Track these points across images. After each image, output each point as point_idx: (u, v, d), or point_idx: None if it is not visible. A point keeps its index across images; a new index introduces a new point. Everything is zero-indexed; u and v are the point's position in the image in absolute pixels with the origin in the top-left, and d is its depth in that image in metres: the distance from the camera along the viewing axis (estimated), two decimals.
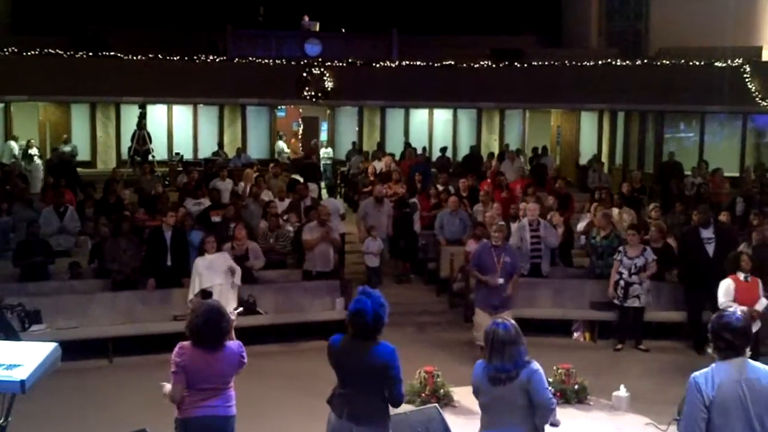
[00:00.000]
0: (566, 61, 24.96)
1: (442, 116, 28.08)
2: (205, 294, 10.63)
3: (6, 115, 25.13)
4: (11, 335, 9.65)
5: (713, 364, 4.53)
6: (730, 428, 4.41)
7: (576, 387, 8.37)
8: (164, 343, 9.87)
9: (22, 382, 4.87)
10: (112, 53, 23.49)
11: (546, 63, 25.02)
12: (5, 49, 22.51)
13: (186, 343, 5.71)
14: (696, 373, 4.55)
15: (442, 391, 8.28)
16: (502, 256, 10.34)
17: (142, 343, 10.88)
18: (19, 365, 5.00)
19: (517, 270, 10.83)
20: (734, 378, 4.44)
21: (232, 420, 5.81)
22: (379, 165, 19.64)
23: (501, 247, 10.46)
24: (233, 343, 5.78)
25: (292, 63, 24.38)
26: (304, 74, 24.15)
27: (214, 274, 10.96)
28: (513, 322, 5.34)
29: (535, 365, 5.22)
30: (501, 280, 10.21)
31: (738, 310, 4.71)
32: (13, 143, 23.73)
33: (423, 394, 8.19)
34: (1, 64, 22.27)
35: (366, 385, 5.36)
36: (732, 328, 4.46)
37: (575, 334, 12.25)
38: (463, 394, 8.36)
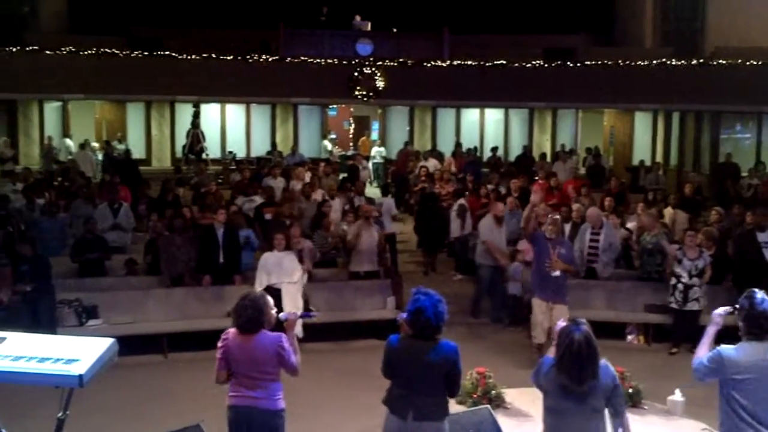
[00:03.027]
0: (620, 61, 24.69)
1: (494, 116, 27.99)
2: (272, 291, 10.69)
3: (63, 113, 25.64)
4: (49, 329, 9.88)
5: (740, 343, 5.14)
6: (759, 396, 4.98)
7: (630, 391, 8.27)
8: (217, 340, 9.98)
9: (80, 376, 4.94)
10: (166, 53, 23.82)
11: (599, 62, 24.77)
12: (63, 49, 22.96)
13: (232, 329, 5.83)
14: (723, 347, 5.13)
15: (494, 392, 8.24)
16: (558, 248, 10.26)
17: (195, 339, 10.98)
18: (77, 360, 5.08)
19: (573, 264, 10.73)
20: (761, 356, 5.04)
21: (279, 413, 5.84)
22: (432, 165, 19.61)
23: (555, 240, 10.39)
24: (272, 333, 5.82)
25: (344, 62, 24.48)
26: (356, 73, 24.24)
27: (281, 272, 11.00)
28: (585, 322, 5.12)
29: (610, 369, 5.10)
30: (558, 272, 10.14)
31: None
32: (69, 141, 24.23)
33: (475, 395, 8.16)
34: (58, 64, 22.72)
35: (429, 384, 5.36)
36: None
37: (629, 337, 12.09)
38: (516, 396, 8.34)
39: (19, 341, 5.34)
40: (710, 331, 5.44)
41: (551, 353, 5.24)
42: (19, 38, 23.60)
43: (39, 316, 10.62)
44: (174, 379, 10.04)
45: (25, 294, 10.66)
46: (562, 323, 5.26)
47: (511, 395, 8.33)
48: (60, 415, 5.22)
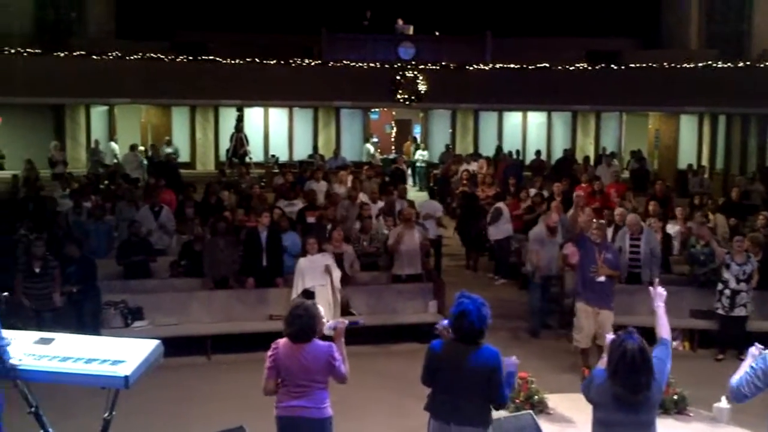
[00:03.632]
0: (665, 63, 24.43)
1: (536, 119, 27.83)
2: (308, 294, 10.76)
3: (110, 117, 26.02)
4: (93, 330, 10.05)
5: None
6: None
7: (675, 397, 8.18)
8: (260, 342, 10.04)
9: (126, 377, 5.01)
10: (211, 57, 24.04)
11: (644, 65, 24.52)
12: (109, 54, 23.29)
13: (282, 339, 5.84)
14: None
15: (536, 397, 8.17)
16: (603, 252, 10.18)
17: (238, 341, 11.07)
18: (123, 361, 5.15)
19: (618, 269, 10.63)
20: None
21: (326, 422, 5.85)
22: (472, 167, 19.56)
23: (601, 244, 10.29)
24: (323, 343, 5.85)
25: (386, 66, 24.53)
26: (398, 77, 24.28)
27: (315, 275, 11.07)
28: (635, 332, 5.08)
29: (660, 385, 5.06)
30: (603, 278, 10.05)
31: None
32: (114, 144, 24.58)
33: (517, 400, 8.10)
34: (105, 69, 23.06)
35: (472, 389, 5.35)
36: None
37: (674, 343, 11.87)
38: (559, 401, 8.28)
39: (67, 342, 5.43)
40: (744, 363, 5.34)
41: (601, 365, 5.20)
42: (67, 43, 23.99)
43: (84, 317, 10.81)
44: (217, 381, 10.12)
45: (71, 295, 10.85)
46: (611, 336, 5.23)
47: (553, 401, 8.26)
48: (106, 415, 5.30)
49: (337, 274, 11.27)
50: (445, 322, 5.70)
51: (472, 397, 5.37)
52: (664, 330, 5.46)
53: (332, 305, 11.01)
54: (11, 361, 5.12)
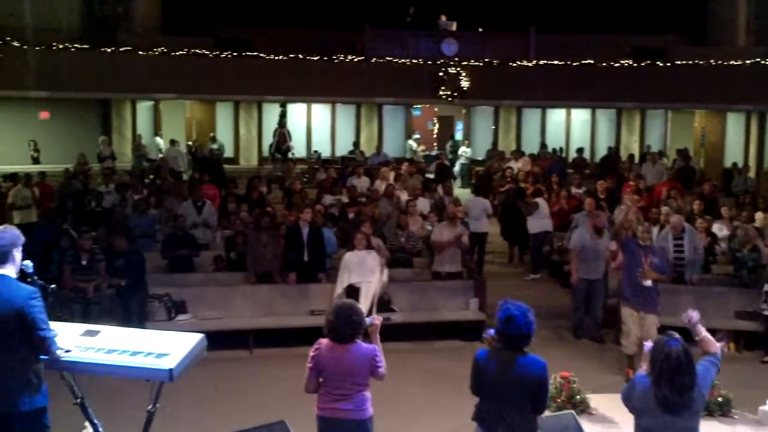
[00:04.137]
0: (712, 61, 24.07)
1: (580, 116, 27.60)
2: (352, 290, 10.76)
3: (155, 112, 26.32)
4: (138, 323, 10.19)
5: None
6: None
7: (719, 399, 8.06)
8: (302, 337, 10.12)
9: (170, 370, 5.09)
10: (254, 53, 24.17)
11: (690, 62, 24.19)
12: (155, 50, 23.53)
13: (324, 339, 5.84)
14: None
15: (578, 397, 8.10)
16: (650, 256, 10.06)
17: (280, 336, 11.13)
18: (167, 354, 5.22)
19: (665, 272, 10.49)
20: None
21: (367, 422, 5.85)
22: (516, 165, 19.45)
23: (648, 247, 10.18)
24: (366, 345, 5.84)
25: (429, 62, 24.48)
26: (441, 73, 24.23)
27: (363, 271, 11.09)
28: (676, 335, 5.07)
29: (704, 390, 5.02)
30: (649, 282, 9.93)
31: None
32: (159, 139, 24.86)
33: (558, 400, 8.04)
34: (151, 64, 23.31)
35: (517, 399, 5.29)
36: None
37: (719, 344, 11.77)
38: (601, 401, 8.21)
39: (113, 335, 5.52)
40: None
41: (642, 371, 5.16)
42: (113, 39, 24.29)
43: (131, 310, 10.94)
44: (259, 375, 10.18)
45: (119, 288, 10.99)
46: (649, 344, 5.18)
47: (595, 401, 8.19)
48: (150, 407, 5.38)
49: (386, 271, 11.32)
50: (492, 331, 5.68)
51: (519, 407, 5.31)
52: (711, 346, 5.43)
53: (375, 303, 11.01)
54: (58, 353, 5.22)
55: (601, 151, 25.52)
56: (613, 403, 7.91)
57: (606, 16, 27.81)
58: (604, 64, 24.45)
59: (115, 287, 11.01)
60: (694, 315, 5.60)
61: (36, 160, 23.87)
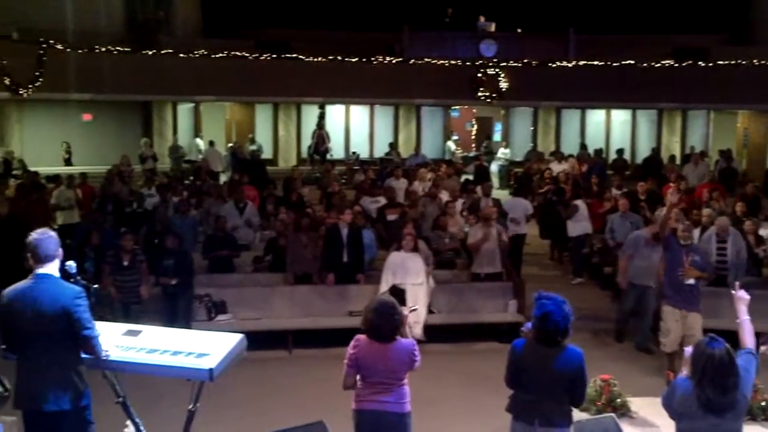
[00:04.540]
0: (755, 61, 23.71)
1: (620, 117, 27.37)
2: (396, 291, 10.75)
3: (195, 114, 26.57)
4: (185, 323, 10.30)
5: None
6: None
7: (763, 404, 7.95)
8: (340, 338, 10.12)
9: (211, 370, 5.13)
10: (293, 55, 24.29)
11: (733, 62, 23.86)
12: (195, 52, 23.76)
13: (362, 336, 5.85)
14: None
15: (619, 400, 8.03)
16: (691, 255, 9.95)
17: (319, 336, 11.17)
18: (207, 354, 5.26)
19: (707, 271, 10.34)
20: None
21: (406, 417, 5.88)
22: (558, 167, 19.33)
23: (689, 246, 10.06)
24: (406, 341, 5.86)
25: (468, 63, 24.43)
26: (479, 74, 24.17)
27: (405, 272, 11.07)
28: (718, 337, 4.94)
29: (746, 395, 4.94)
30: (692, 281, 9.82)
31: None
32: (199, 140, 25.09)
33: (598, 403, 7.97)
34: (191, 66, 23.54)
35: (555, 390, 5.31)
36: None
37: (762, 348, 11.57)
38: (642, 405, 8.12)
39: (154, 334, 5.58)
40: None
41: (683, 374, 5.08)
42: (155, 42, 24.56)
43: (177, 311, 11.04)
44: (298, 376, 10.21)
45: (167, 287, 11.09)
46: (689, 348, 5.09)
47: (636, 404, 8.10)
48: (191, 407, 5.42)
49: (431, 274, 11.35)
50: (529, 324, 5.63)
51: (556, 398, 5.33)
52: (748, 338, 5.28)
53: (421, 303, 10.97)
54: (101, 353, 5.29)
55: (642, 152, 25.29)
56: (654, 406, 7.80)
57: (646, 16, 27.56)
58: (644, 64, 24.21)
59: (163, 286, 11.12)
60: (745, 294, 5.43)
61: (68, 162, 24.20)
